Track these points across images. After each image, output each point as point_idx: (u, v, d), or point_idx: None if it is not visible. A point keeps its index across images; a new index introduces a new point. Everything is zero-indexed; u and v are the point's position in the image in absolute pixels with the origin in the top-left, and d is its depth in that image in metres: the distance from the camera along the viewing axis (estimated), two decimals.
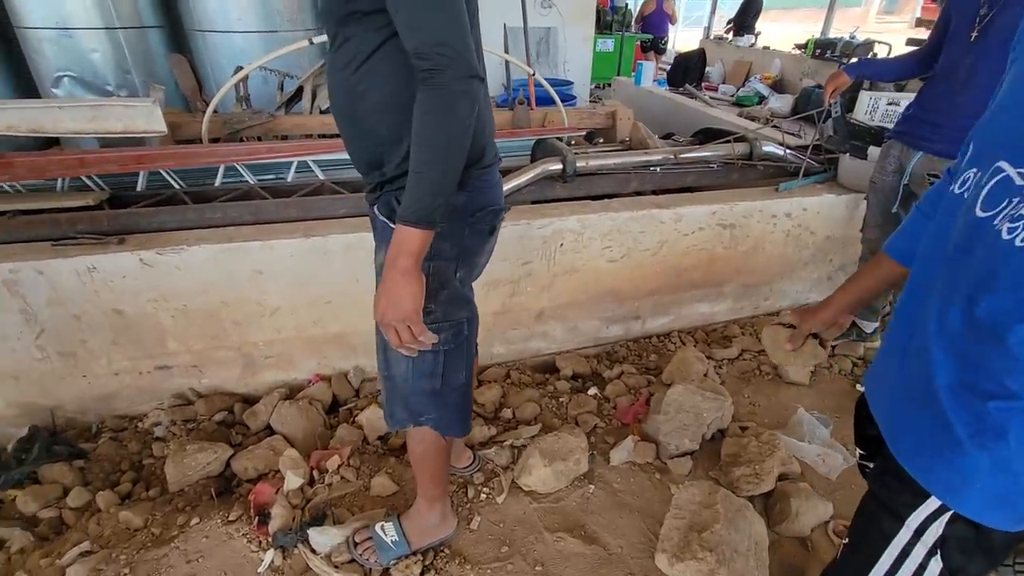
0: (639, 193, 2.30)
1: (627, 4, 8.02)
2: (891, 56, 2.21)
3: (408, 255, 0.86)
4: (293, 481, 1.58)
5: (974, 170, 0.67)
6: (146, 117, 2.03)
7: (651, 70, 4.97)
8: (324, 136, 2.61)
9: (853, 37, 6.96)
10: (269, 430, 1.87)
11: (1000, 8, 1.58)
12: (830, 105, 2.15)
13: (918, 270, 0.77)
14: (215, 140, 2.49)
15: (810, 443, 1.73)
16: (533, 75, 2.70)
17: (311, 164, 2.19)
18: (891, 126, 2.31)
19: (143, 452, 1.82)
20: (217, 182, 2.11)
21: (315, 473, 1.67)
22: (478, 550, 1.45)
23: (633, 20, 8.13)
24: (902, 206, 1.96)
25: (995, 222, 0.60)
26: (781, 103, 6.31)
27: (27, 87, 3.64)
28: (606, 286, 2.15)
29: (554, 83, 3.75)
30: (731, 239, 2.20)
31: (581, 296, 2.14)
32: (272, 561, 1.41)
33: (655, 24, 7.75)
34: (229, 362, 1.93)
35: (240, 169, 2.11)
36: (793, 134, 3.01)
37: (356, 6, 0.85)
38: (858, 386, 2.11)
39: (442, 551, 1.44)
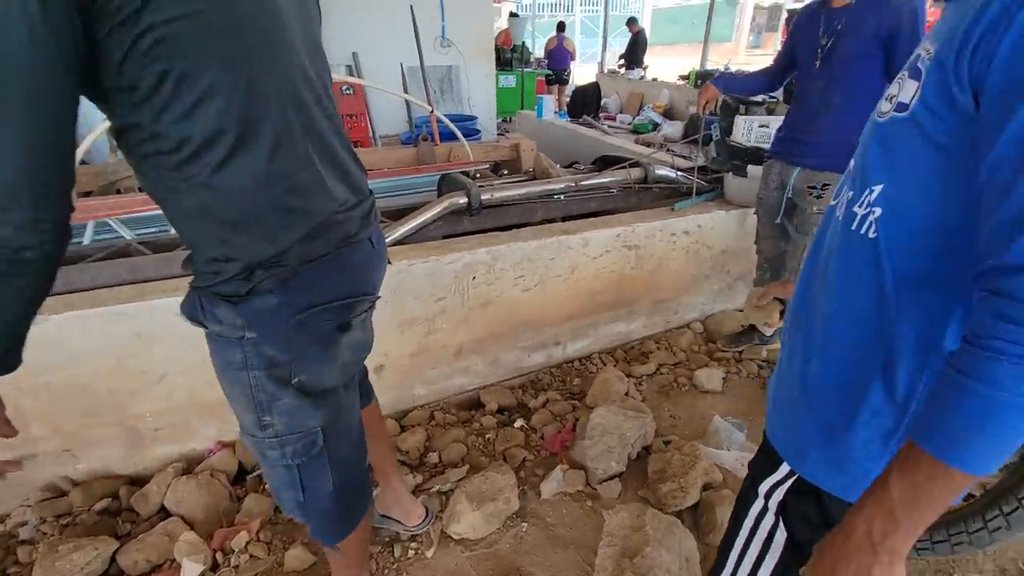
0: (545, 221, 2.35)
1: (523, 43, 8.42)
2: (746, 73, 2.48)
3: None
4: (191, 569, 1.40)
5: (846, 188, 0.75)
6: None
7: (551, 103, 5.19)
8: None
9: (727, 68, 7.73)
10: (164, 512, 1.66)
11: (838, 38, 1.81)
12: (707, 121, 2.37)
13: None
14: (86, 194, 2.26)
15: (728, 449, 1.80)
16: (432, 112, 2.72)
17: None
18: (766, 146, 2.55)
19: (7, 560, 1.55)
20: (86, 240, 1.90)
21: (219, 556, 1.49)
22: None
23: (532, 57, 8.60)
24: (786, 216, 2.14)
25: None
26: (673, 128, 6.84)
27: None
28: (523, 315, 2.15)
29: (459, 119, 3.81)
30: (637, 259, 2.29)
31: (499, 328, 2.12)
32: None
33: (557, 58, 8.53)
34: (110, 440, 1.70)
35: (113, 224, 1.91)
36: (686, 156, 3.24)
37: None
38: (765, 383, 2.24)
39: None
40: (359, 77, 4.20)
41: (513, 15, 9.01)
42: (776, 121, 2.65)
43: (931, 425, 0.50)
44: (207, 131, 0.67)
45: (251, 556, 1.49)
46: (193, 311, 0.80)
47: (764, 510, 0.80)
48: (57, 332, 1.49)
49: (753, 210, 2.46)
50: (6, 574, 1.52)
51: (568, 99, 7.46)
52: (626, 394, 2.05)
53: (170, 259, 1.77)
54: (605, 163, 2.61)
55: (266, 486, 1.73)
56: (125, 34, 0.59)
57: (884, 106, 0.63)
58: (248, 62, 0.68)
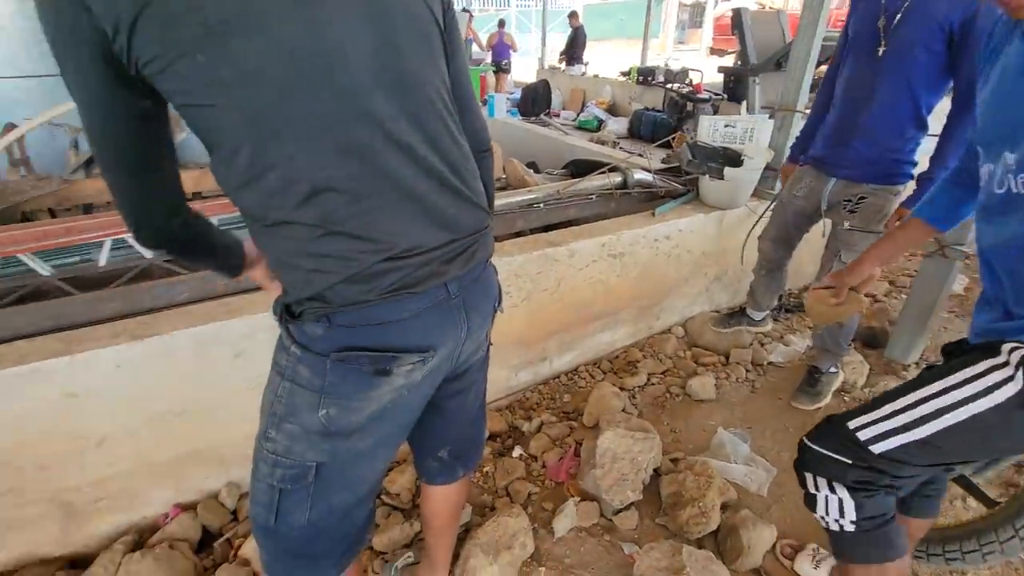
0: (519, 233, 2.22)
1: (465, 38, 8.26)
2: (808, 119, 2.08)
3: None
4: None
5: (989, 165, 0.88)
6: None
7: (503, 101, 5.06)
8: None
9: (668, 64, 7.89)
10: None
11: (900, 20, 1.56)
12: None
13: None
14: None
15: (735, 462, 1.75)
16: None
17: (130, 241, 1.74)
18: (735, 146, 2.54)
19: None
20: None
21: None
22: None
23: (471, 55, 8.54)
24: (803, 229, 2.04)
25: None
26: (618, 125, 6.90)
27: None
28: (511, 333, 2.02)
29: None
30: (622, 267, 2.21)
31: None
32: None
33: (498, 51, 8.98)
34: (40, 519, 1.41)
35: (23, 259, 1.59)
36: (640, 154, 3.21)
37: None
38: (755, 386, 2.23)
39: None
40: None
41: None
42: (744, 122, 2.66)
43: None
44: (253, 203, 0.73)
45: None
46: (275, 310, 0.84)
47: (1004, 364, 0.85)
48: None
49: (729, 210, 2.45)
50: None
51: (511, 97, 7.38)
52: (623, 410, 1.97)
53: (101, 299, 1.49)
54: (578, 167, 2.51)
55: (238, 551, 1.51)
56: (177, 107, 0.67)
57: None
58: (272, 127, 0.67)
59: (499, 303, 1.00)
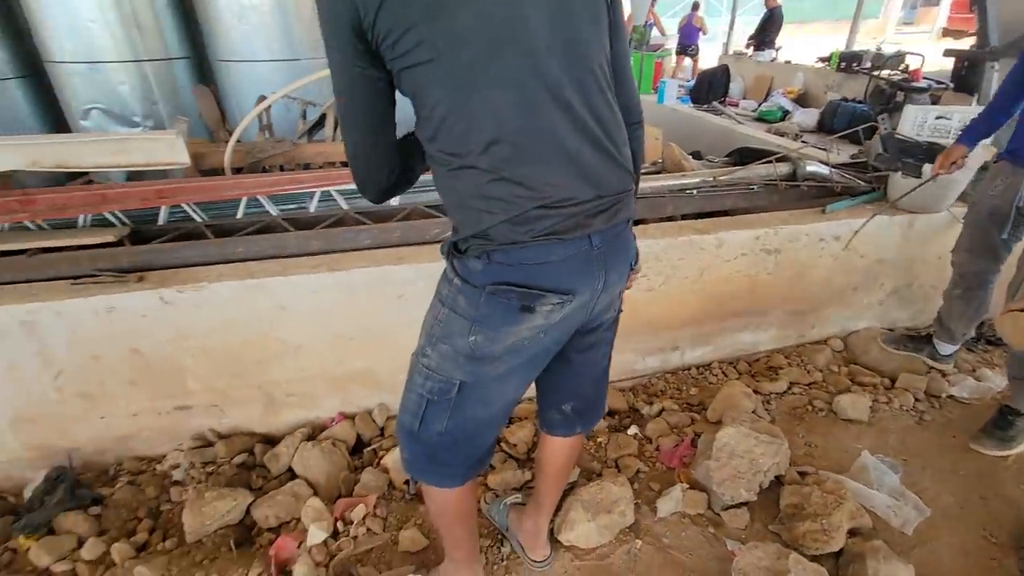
0: (670, 218, 2.19)
1: (645, 23, 8.04)
2: (991, 101, 1.86)
3: None
4: (317, 535, 1.48)
5: None
6: (169, 149, 2.00)
7: (674, 88, 4.88)
8: (345, 164, 2.56)
9: (880, 49, 6.82)
10: (291, 473, 1.78)
11: None
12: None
13: None
14: (238, 170, 2.46)
15: (878, 490, 1.58)
16: None
17: (334, 193, 2.12)
18: (944, 140, 2.18)
19: (160, 497, 1.74)
20: (239, 214, 2.05)
21: (340, 524, 1.56)
22: None
23: (649, 39, 8.30)
24: (1013, 231, 1.77)
25: None
26: (806, 117, 6.17)
27: (57, 120, 3.70)
28: (642, 316, 2.03)
29: None
30: (775, 265, 2.07)
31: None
32: None
33: (687, 35, 8.95)
34: (250, 401, 1.85)
35: (262, 200, 2.05)
36: (824, 148, 2.88)
37: None
38: (923, 417, 1.94)
39: None
40: None
41: None
42: (961, 113, 2.26)
43: None
44: (443, 149, 0.87)
45: (368, 530, 1.54)
46: (442, 250, 0.99)
47: None
48: (215, 300, 1.62)
49: (923, 215, 2.13)
50: (159, 510, 1.71)
51: (686, 85, 7.04)
52: (753, 412, 1.87)
53: (308, 237, 1.86)
54: (744, 156, 2.38)
55: (381, 460, 1.79)
56: (395, 75, 0.85)
57: None
58: (465, 82, 0.81)
59: (635, 262, 1.08)
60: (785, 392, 2.07)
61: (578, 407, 1.25)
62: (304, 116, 2.73)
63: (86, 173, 2.95)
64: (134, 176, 2.54)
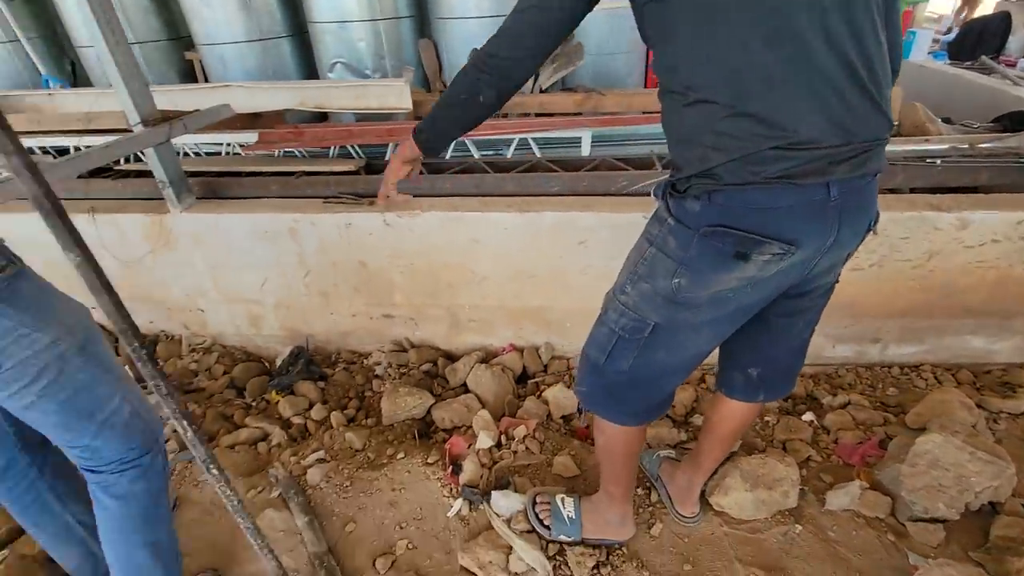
0: (896, 190, 1.87)
1: None
2: None
3: (400, 153, 1.20)
4: (484, 441, 1.68)
5: None
6: (397, 96, 2.30)
7: (927, 39, 4.01)
8: (540, 115, 2.67)
9: None
10: (464, 388, 2.02)
11: None
12: None
13: None
14: None
15: None
16: None
17: (530, 141, 2.25)
18: None
19: (365, 385, 2.12)
20: (447, 154, 2.30)
21: (503, 438, 1.74)
22: (658, 559, 1.37)
23: None
24: None
25: None
26: None
27: (310, 72, 4.47)
28: (843, 297, 1.78)
29: None
30: None
31: None
32: (460, 510, 1.52)
33: None
34: (439, 319, 2.12)
35: (467, 143, 2.26)
36: None
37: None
38: None
39: (618, 550, 1.39)
40: None
41: None
42: None
43: None
44: (681, 82, 0.85)
45: (527, 448, 1.70)
46: (657, 191, 1.00)
47: None
48: (425, 227, 1.87)
49: None
50: (364, 395, 2.08)
51: (942, 39, 5.70)
52: (973, 427, 1.58)
53: (504, 179, 2.02)
54: (1015, 122, 1.91)
55: (542, 393, 1.93)
56: (639, 9, 0.88)
57: None
58: (716, 6, 0.78)
59: (874, 223, 0.97)
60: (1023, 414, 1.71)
61: (765, 374, 1.18)
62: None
63: (327, 115, 3.55)
64: (362, 118, 2.97)
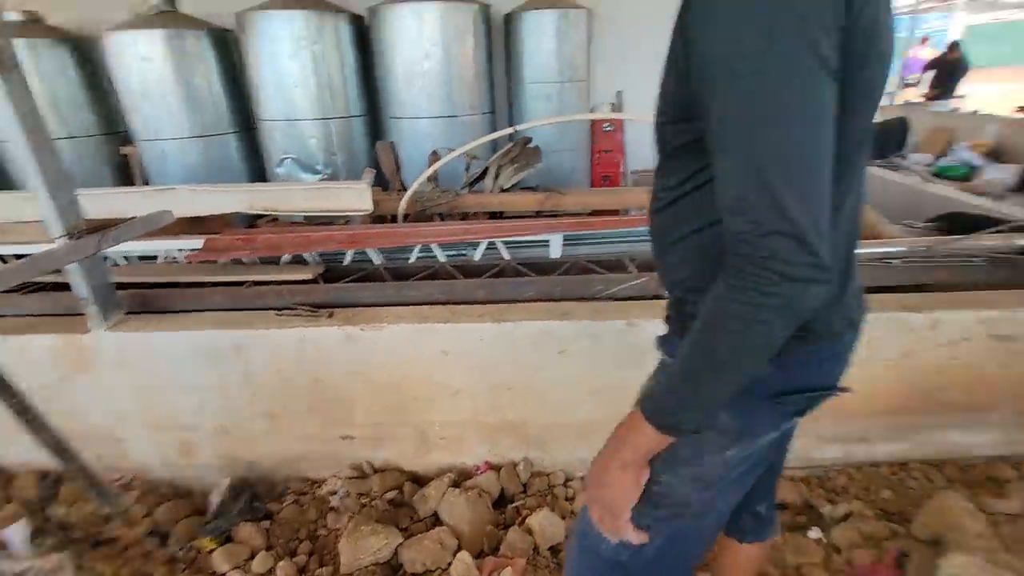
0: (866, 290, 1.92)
1: None
2: None
3: (633, 450, 0.70)
4: None
5: None
6: (358, 197, 2.22)
7: None
8: (501, 215, 2.66)
9: None
10: (436, 517, 1.78)
11: None
12: None
13: None
14: (406, 216, 2.66)
15: None
16: None
17: (498, 243, 2.19)
18: None
19: (319, 522, 1.83)
20: (412, 258, 2.19)
21: None
22: None
23: None
24: None
25: None
26: (1002, 174, 5.33)
27: (258, 167, 4.38)
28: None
29: None
30: (1009, 355, 1.71)
31: None
32: None
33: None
34: (405, 438, 1.90)
35: (433, 248, 2.17)
36: None
37: (684, 138, 0.67)
38: None
39: None
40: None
41: None
42: None
43: None
44: None
45: None
46: (667, 347, 0.81)
47: None
48: (391, 340, 1.71)
49: None
50: (317, 534, 1.79)
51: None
52: (979, 536, 1.52)
53: (475, 285, 1.91)
54: (954, 223, 2.05)
55: (525, 520, 1.72)
56: None
57: None
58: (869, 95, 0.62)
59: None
60: (1020, 515, 1.67)
61: (769, 506, 1.10)
62: (467, 169, 2.90)
63: (276, 217, 3.41)
64: (311, 220, 2.86)
